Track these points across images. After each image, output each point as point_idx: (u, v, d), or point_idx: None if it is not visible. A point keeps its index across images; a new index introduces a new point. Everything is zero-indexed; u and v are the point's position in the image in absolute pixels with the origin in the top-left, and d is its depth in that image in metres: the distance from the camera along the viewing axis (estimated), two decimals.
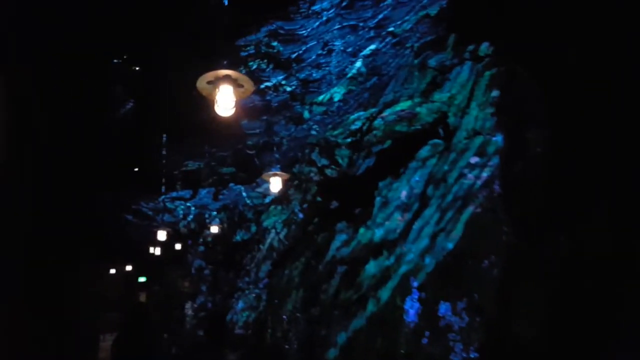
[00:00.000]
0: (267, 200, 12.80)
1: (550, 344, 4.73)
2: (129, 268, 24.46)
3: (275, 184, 6.63)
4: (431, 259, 6.03)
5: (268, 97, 5.40)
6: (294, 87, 5.20)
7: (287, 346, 9.28)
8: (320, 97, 5.54)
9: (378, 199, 7.92)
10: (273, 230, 11.41)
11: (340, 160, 7.62)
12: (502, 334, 4.90)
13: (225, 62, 3.54)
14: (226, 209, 12.23)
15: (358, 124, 7.03)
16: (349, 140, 7.37)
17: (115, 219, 11.25)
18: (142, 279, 25.57)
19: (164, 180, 7.92)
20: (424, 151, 7.20)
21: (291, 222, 10.84)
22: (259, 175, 7.69)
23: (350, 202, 8.78)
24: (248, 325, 12.05)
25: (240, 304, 13.19)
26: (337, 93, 5.53)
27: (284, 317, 9.92)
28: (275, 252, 11.27)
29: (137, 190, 8.55)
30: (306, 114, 5.95)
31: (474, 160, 6.00)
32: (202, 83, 3.61)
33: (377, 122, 6.90)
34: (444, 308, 5.44)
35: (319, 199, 8.83)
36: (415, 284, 6.15)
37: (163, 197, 9.24)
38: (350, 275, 7.98)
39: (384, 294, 6.78)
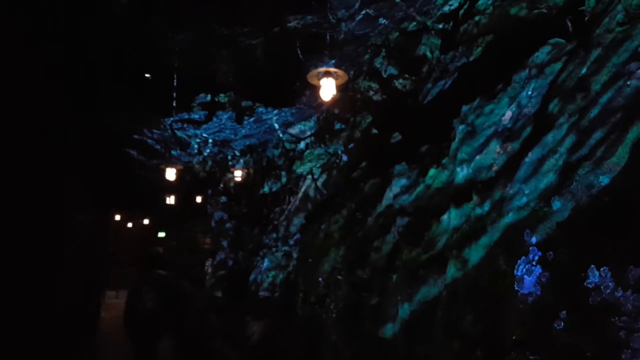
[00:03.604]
0: (301, 145, 10.83)
1: None
2: (146, 222, 23.18)
3: (328, 88, 4.60)
4: (564, 202, 3.95)
5: None
6: None
7: (324, 315, 7.45)
8: None
9: (461, 128, 5.83)
10: (309, 177, 9.46)
11: (429, 54, 5.46)
12: None
13: None
14: (252, 151, 10.26)
15: (454, 4, 4.87)
16: (440, 26, 5.21)
17: (116, 154, 9.29)
18: (161, 234, 24.37)
19: (174, 95, 5.90)
20: (541, 54, 5.02)
21: (332, 167, 8.86)
22: (301, 82, 5.62)
23: (418, 134, 6.71)
24: (274, 286, 10.31)
25: (266, 263, 11.45)
26: None
27: (320, 279, 8.09)
28: (311, 202, 9.36)
29: (140, 111, 6.55)
30: None
31: None
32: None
33: (482, 2, 4.74)
34: (596, 276, 3.40)
35: (374, 131, 6.77)
36: (533, 239, 4.11)
37: (171, 120, 7.17)
38: (415, 229, 6.00)
39: (475, 253, 4.78)
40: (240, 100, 6.18)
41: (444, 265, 5.12)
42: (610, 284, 3.31)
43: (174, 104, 5.81)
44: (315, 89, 7.16)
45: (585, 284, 3.46)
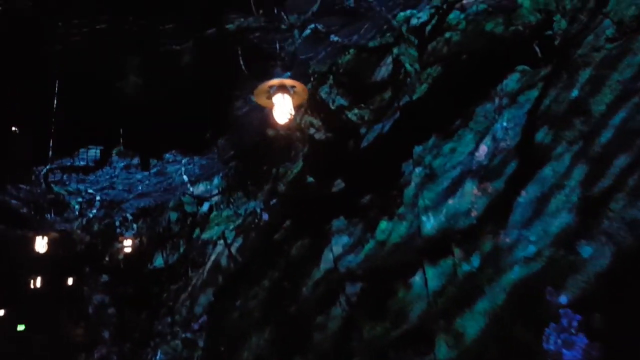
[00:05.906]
0: (204, 207, 9.26)
1: None
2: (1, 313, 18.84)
3: (284, 108, 3.39)
4: (598, 247, 3.08)
5: None
6: None
7: None
8: None
9: (417, 171, 4.94)
10: (220, 243, 7.86)
11: (408, 66, 4.47)
12: None
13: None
14: (147, 214, 8.40)
15: (423, 17, 4.06)
16: (413, 38, 4.34)
17: None
18: (20, 327, 20.04)
19: (52, 136, 4.09)
20: (511, 82, 4.40)
21: (250, 229, 7.41)
22: (214, 128, 4.29)
23: (356, 182, 5.69)
24: None
25: (159, 356, 9.24)
26: None
27: None
28: (222, 274, 7.71)
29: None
30: None
31: None
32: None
33: (454, 16, 4.02)
34: None
35: (310, 179, 5.61)
36: (562, 299, 3.14)
37: (45, 169, 5.16)
38: (374, 297, 4.79)
39: (472, 323, 3.68)
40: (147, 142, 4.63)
41: (427, 343, 3.94)
42: None
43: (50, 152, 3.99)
44: (233, 135, 5.92)
45: None
